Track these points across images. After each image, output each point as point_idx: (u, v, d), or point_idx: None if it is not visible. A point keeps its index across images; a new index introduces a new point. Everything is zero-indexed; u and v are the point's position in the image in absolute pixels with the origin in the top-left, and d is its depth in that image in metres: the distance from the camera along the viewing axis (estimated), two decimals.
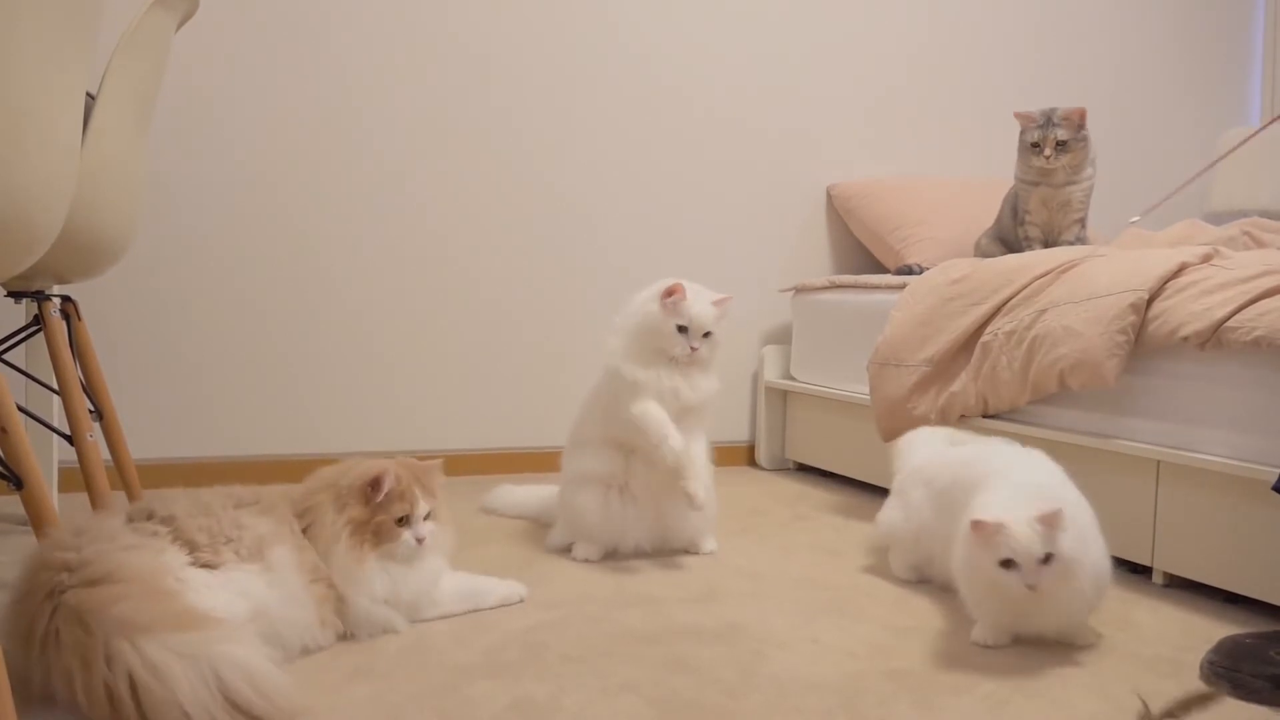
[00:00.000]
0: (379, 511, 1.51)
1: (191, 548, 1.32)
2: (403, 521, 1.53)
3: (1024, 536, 1.42)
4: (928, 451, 1.97)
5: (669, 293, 1.97)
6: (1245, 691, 1.36)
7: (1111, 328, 1.90)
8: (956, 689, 1.39)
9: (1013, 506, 1.46)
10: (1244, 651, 1.39)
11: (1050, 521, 1.43)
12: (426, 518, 1.56)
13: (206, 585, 1.28)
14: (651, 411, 1.94)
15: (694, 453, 2.02)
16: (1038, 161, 2.59)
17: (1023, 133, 2.64)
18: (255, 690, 1.14)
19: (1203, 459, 1.78)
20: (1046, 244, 2.64)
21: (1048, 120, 2.58)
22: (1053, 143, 2.56)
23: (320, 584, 1.47)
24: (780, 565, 2.01)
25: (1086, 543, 1.49)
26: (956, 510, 1.62)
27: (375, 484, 1.50)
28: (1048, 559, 1.42)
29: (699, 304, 1.97)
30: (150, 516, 1.35)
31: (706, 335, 1.98)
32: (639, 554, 2.04)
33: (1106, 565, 1.55)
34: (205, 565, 1.32)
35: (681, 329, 1.96)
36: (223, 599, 1.28)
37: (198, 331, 2.69)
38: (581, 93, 3.03)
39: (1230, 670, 1.38)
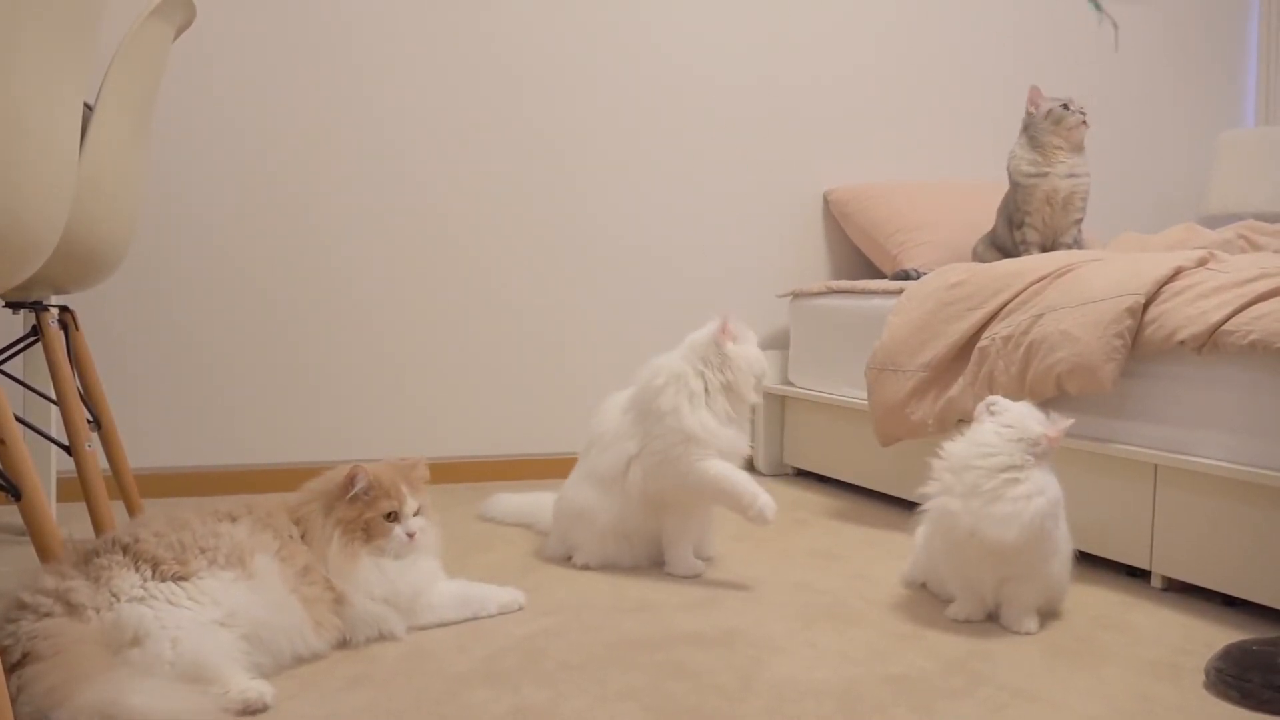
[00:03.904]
0: (367, 509, 1.56)
1: (155, 563, 1.34)
2: (392, 518, 1.57)
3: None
4: None
5: (726, 330, 1.90)
6: (1255, 702, 1.34)
7: (1108, 332, 1.90)
8: (954, 693, 1.39)
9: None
10: (1252, 659, 1.37)
11: None
12: (416, 514, 1.60)
13: (170, 597, 1.31)
14: (733, 472, 1.87)
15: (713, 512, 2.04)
16: (1070, 121, 2.61)
17: (1039, 106, 2.64)
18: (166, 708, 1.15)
19: (1200, 462, 1.79)
20: (1044, 248, 2.65)
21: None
22: (1079, 107, 2.61)
23: (315, 585, 1.48)
24: (778, 570, 2.01)
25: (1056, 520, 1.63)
26: None
27: (349, 481, 1.56)
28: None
29: (753, 345, 1.95)
30: (114, 545, 1.37)
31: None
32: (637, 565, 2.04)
33: (1064, 549, 1.67)
34: (175, 577, 1.34)
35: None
36: (187, 612, 1.31)
37: (196, 341, 2.70)
38: (581, 99, 3.04)
39: (1238, 680, 1.36)
